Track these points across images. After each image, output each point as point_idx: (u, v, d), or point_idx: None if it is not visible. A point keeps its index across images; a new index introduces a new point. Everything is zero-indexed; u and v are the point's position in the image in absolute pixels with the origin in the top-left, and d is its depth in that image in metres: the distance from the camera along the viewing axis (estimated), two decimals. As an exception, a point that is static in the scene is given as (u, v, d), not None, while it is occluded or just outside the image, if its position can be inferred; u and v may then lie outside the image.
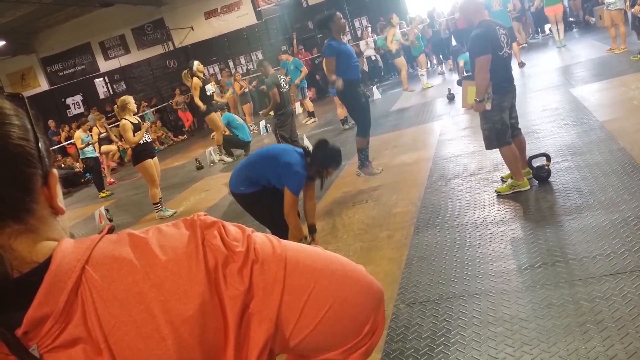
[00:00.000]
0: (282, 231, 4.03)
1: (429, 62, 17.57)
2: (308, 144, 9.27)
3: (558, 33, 13.68)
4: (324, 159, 4.16)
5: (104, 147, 12.61)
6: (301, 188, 4.08)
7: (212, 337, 0.66)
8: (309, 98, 14.46)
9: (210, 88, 10.40)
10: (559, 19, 13.60)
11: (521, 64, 11.91)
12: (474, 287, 3.37)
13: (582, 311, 2.81)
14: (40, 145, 0.68)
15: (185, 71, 10.28)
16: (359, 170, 6.25)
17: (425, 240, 4.31)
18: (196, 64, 10.11)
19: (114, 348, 0.62)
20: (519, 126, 4.95)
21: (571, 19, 15.86)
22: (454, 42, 15.54)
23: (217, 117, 10.35)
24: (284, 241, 0.76)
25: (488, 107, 4.57)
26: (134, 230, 0.71)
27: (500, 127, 4.63)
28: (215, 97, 10.91)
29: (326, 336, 0.74)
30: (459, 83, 4.92)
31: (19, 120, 0.67)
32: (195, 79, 10.00)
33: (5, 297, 0.61)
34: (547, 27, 15.85)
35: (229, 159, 10.55)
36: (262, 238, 0.75)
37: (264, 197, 4.13)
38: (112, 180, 12.95)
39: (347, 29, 18.53)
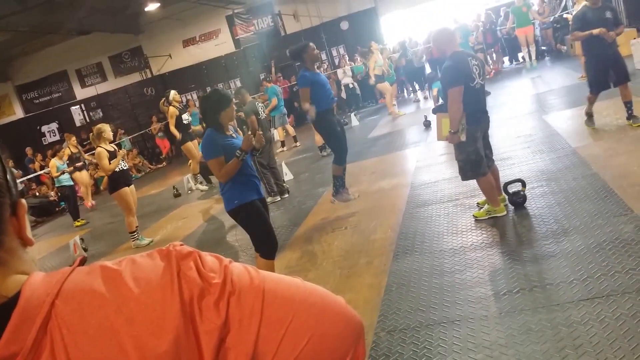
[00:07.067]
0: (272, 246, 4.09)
1: (405, 91, 17.88)
2: (287, 171, 9.28)
3: (530, 55, 14.00)
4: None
5: (75, 175, 11.41)
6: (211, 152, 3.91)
7: None
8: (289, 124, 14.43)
9: (187, 117, 10.41)
10: (530, 41, 13.93)
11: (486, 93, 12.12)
12: (454, 314, 3.36)
13: (561, 336, 2.82)
14: (7, 174, 0.66)
15: (163, 99, 10.29)
16: (333, 197, 6.25)
17: (405, 266, 4.31)
18: (172, 93, 10.12)
19: None
20: (492, 157, 4.99)
21: (543, 48, 16.26)
22: (428, 70, 15.80)
23: (192, 146, 10.30)
24: (262, 271, 0.74)
25: (463, 138, 4.59)
26: (108, 262, 0.69)
27: (475, 158, 4.64)
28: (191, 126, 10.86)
29: None
30: (434, 111, 4.97)
31: None
32: (171, 108, 10.00)
33: None
34: (520, 55, 16.21)
35: (204, 187, 10.44)
36: (240, 268, 0.73)
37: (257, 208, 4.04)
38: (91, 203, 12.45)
39: (325, 57, 18.76)
